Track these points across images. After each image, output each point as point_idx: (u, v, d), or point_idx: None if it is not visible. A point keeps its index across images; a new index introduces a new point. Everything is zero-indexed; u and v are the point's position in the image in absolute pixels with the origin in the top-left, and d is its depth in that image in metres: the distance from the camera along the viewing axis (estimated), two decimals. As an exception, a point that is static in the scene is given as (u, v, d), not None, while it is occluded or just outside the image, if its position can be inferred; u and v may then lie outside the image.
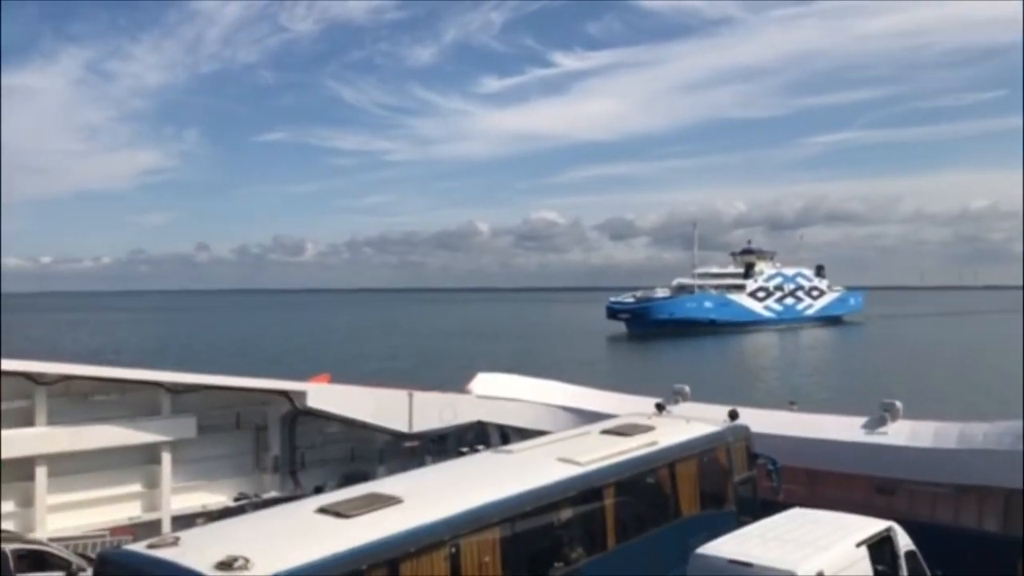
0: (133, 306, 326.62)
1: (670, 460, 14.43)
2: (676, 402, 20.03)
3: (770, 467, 16.27)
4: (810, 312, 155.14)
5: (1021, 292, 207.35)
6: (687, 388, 20.88)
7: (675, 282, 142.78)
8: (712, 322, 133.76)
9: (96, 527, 17.61)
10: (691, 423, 16.09)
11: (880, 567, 11.58)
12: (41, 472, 17.32)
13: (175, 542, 9.45)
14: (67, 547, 15.43)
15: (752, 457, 16.06)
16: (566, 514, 12.45)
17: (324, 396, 20.46)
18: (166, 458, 18.94)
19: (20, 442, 17.03)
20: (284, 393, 20.22)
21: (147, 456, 19.02)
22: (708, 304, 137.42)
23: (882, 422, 17.71)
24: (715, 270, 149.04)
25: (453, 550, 10.47)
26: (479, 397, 22.80)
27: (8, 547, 14.29)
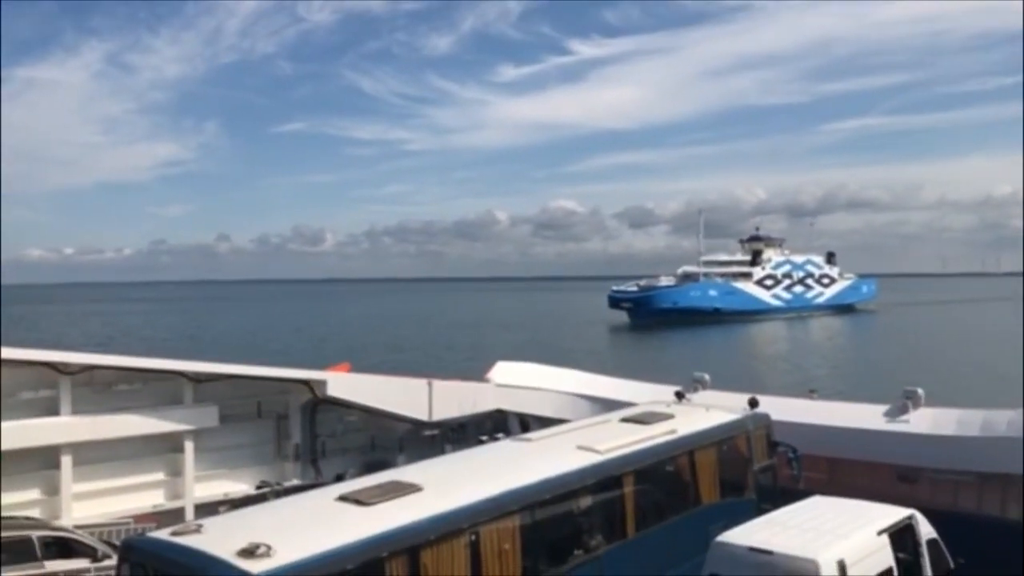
0: (152, 297, 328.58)
1: (690, 448, 14.40)
2: (696, 390, 19.95)
3: (790, 455, 16.20)
4: (820, 300, 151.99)
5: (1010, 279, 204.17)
6: (707, 376, 20.79)
7: (681, 270, 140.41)
8: (717, 311, 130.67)
9: (120, 515, 17.82)
10: (711, 411, 16.04)
11: (901, 555, 11.52)
12: (66, 461, 17.53)
13: (198, 529, 9.54)
14: (92, 534, 15.64)
15: (772, 445, 16.00)
16: (586, 502, 12.44)
17: (344, 385, 20.57)
18: (189, 447, 19.12)
19: (45, 431, 17.25)
20: (305, 382, 20.34)
21: (170, 445, 19.20)
22: (713, 292, 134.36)
23: (904, 410, 17.57)
24: (723, 257, 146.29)
25: (473, 538, 10.50)
26: (498, 386, 22.84)
27: (35, 534, 14.51)
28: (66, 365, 17.63)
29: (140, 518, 17.72)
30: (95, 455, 18.04)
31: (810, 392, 22.34)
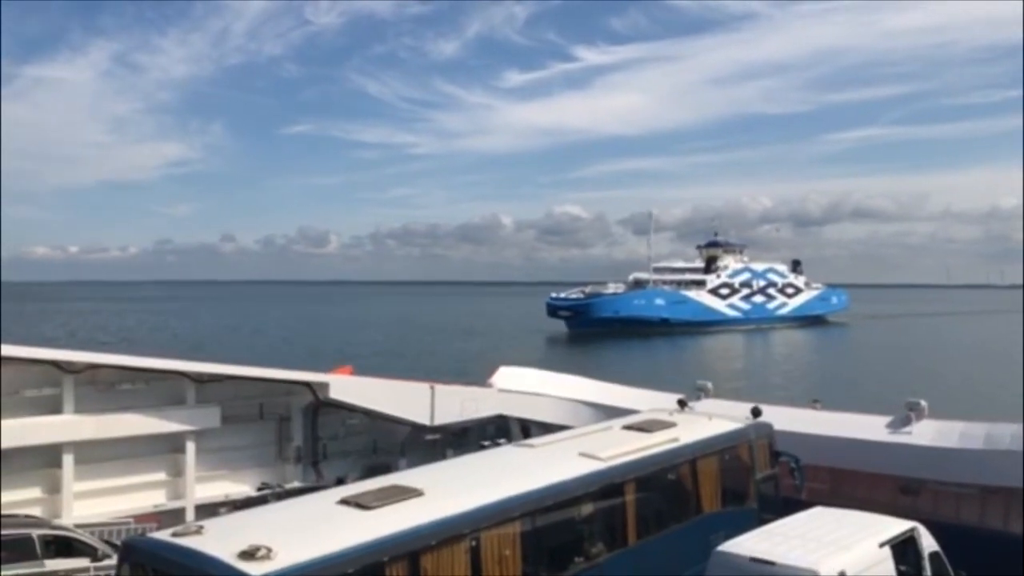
0: (154, 296, 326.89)
1: (692, 457, 14.37)
2: (698, 398, 19.97)
3: (793, 465, 16.17)
4: (784, 312, 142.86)
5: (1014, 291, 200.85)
6: (710, 384, 20.79)
7: (632, 276, 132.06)
8: (665, 321, 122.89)
9: (121, 514, 17.81)
10: (713, 420, 16.01)
11: (903, 568, 11.47)
12: (68, 459, 17.53)
13: (199, 530, 9.53)
14: (92, 533, 15.63)
15: (775, 455, 15.97)
16: (587, 509, 12.43)
17: (346, 388, 20.56)
18: (190, 447, 19.11)
19: (48, 429, 17.26)
20: (307, 384, 20.33)
21: (172, 445, 19.20)
22: (660, 301, 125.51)
23: (907, 421, 17.55)
24: (678, 264, 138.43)
25: (474, 543, 10.48)
26: (500, 391, 22.83)
27: (35, 532, 14.50)
28: (69, 364, 17.65)
29: (141, 518, 17.71)
30: (97, 454, 18.04)
31: (813, 402, 22.31)
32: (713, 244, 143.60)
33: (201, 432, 19.26)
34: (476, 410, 21.94)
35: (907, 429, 17.44)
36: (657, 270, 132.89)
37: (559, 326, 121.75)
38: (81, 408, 17.82)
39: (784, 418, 17.36)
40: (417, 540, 9.85)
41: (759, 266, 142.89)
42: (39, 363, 17.39)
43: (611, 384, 23.94)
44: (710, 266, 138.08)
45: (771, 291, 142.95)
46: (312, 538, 9.36)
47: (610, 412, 19.30)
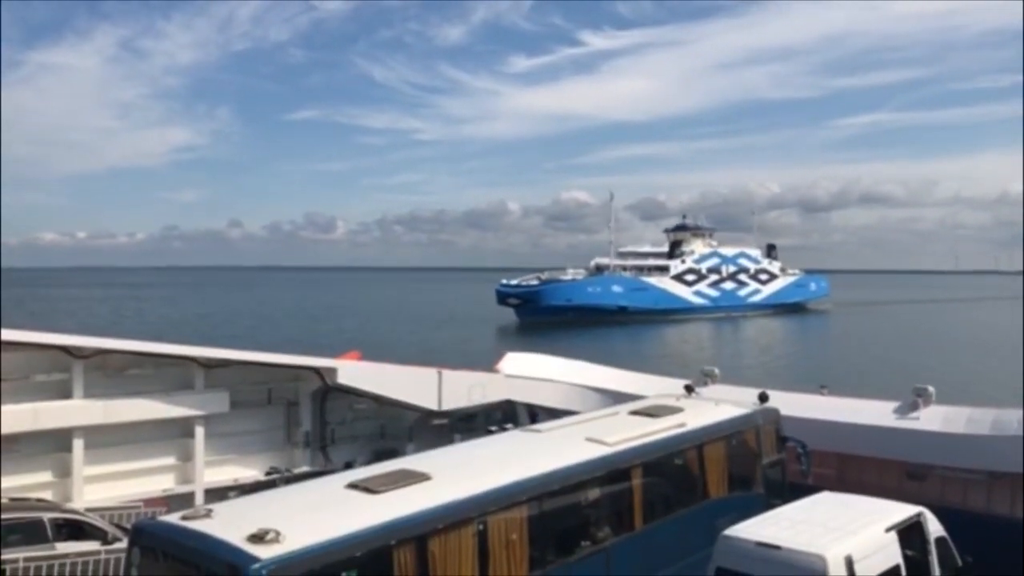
0: (159, 282, 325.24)
1: (698, 442, 14.39)
2: (705, 384, 19.96)
3: (799, 450, 16.18)
4: (757, 299, 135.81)
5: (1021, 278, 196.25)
6: (716, 370, 20.78)
7: (593, 262, 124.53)
8: (623, 310, 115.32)
9: (131, 498, 17.94)
10: (720, 405, 16.03)
11: (910, 552, 11.49)
12: (78, 444, 17.65)
13: (208, 514, 9.60)
14: (103, 517, 15.76)
15: (781, 440, 15.98)
16: (594, 494, 12.47)
17: (354, 373, 20.63)
18: (199, 432, 19.21)
19: (58, 414, 17.37)
20: (315, 369, 20.40)
21: (181, 430, 19.31)
22: (617, 288, 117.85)
23: (914, 407, 17.54)
24: (643, 249, 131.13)
25: (481, 527, 10.53)
26: (508, 376, 22.87)
27: (46, 516, 14.63)
28: (79, 349, 17.73)
29: (150, 502, 17.84)
30: (106, 439, 18.15)
31: (821, 388, 22.32)
32: (681, 228, 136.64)
33: (210, 417, 19.36)
34: (483, 395, 22.00)
35: (914, 415, 17.43)
36: (621, 255, 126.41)
37: (510, 315, 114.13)
38: (90, 393, 17.91)
39: (791, 403, 17.36)
40: (425, 524, 9.90)
41: (729, 251, 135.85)
42: (48, 348, 17.49)
43: (618, 370, 23.97)
44: (674, 251, 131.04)
45: (742, 277, 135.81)
46: (320, 522, 9.41)
47: (617, 397, 19.33)
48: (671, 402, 16.16)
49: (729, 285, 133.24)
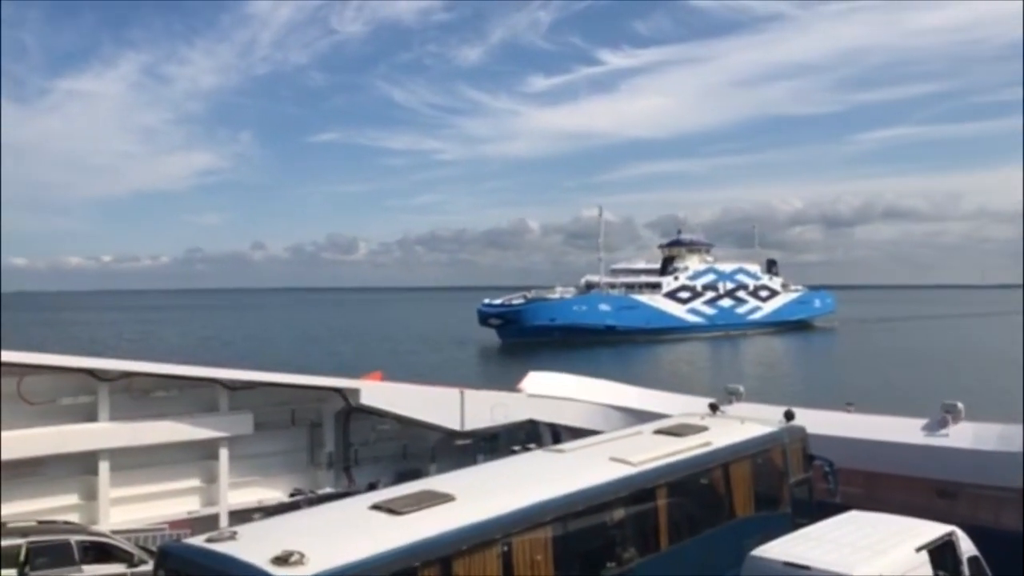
0: (174, 304, 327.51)
1: (724, 461, 14.27)
2: (730, 402, 19.81)
3: (827, 469, 16.00)
4: (757, 316, 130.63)
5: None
6: (741, 388, 20.63)
7: (583, 280, 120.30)
8: (611, 329, 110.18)
9: (156, 520, 17.97)
10: (746, 424, 15.88)
11: (941, 573, 11.31)
12: (104, 466, 17.75)
13: (233, 536, 9.62)
14: (128, 539, 15.83)
15: (808, 458, 15.81)
16: (618, 514, 12.38)
17: (377, 394, 20.63)
18: (223, 454, 19.27)
19: (84, 437, 17.49)
20: (338, 391, 20.43)
21: (205, 452, 19.37)
22: (605, 307, 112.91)
23: (943, 424, 17.31)
24: (636, 265, 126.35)
25: (505, 548, 10.48)
26: (530, 396, 22.79)
27: (73, 538, 14.72)
28: (104, 372, 17.87)
29: (175, 524, 17.87)
30: (132, 461, 18.24)
31: (847, 405, 22.06)
32: (675, 243, 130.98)
33: (234, 439, 19.42)
34: (506, 415, 21.93)
35: (943, 431, 17.19)
36: (612, 272, 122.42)
37: (492, 336, 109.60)
38: (116, 416, 18.03)
39: (817, 421, 17.18)
40: (449, 545, 9.86)
41: (727, 267, 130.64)
42: (75, 371, 17.64)
43: (642, 388, 23.85)
44: (666, 267, 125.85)
45: (741, 294, 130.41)
46: (345, 543, 9.40)
47: (641, 416, 19.21)
48: (696, 421, 16.03)
49: (727, 302, 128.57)
